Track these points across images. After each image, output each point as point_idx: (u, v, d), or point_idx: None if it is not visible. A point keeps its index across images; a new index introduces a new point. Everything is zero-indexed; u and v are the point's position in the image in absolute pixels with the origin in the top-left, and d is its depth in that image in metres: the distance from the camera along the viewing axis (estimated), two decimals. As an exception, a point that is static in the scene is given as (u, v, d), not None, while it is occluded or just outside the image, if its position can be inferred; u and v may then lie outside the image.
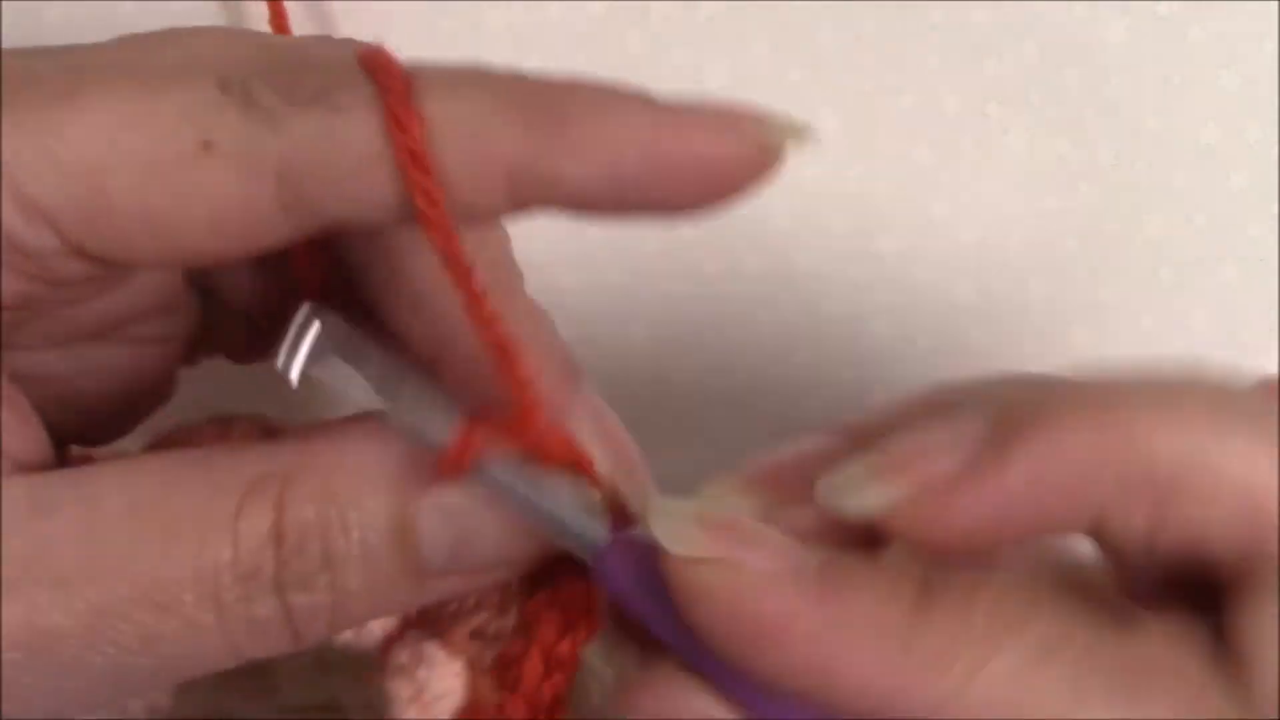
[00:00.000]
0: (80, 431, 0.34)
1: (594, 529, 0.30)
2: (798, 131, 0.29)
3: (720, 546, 0.28)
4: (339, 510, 0.28)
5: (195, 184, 0.27)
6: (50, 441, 0.30)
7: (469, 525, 0.29)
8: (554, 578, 0.32)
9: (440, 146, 0.28)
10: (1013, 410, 0.29)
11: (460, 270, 0.28)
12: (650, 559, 0.29)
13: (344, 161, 0.28)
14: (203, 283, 0.35)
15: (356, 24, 0.47)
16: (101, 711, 0.31)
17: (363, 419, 0.30)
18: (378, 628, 0.32)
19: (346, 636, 0.32)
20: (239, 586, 0.27)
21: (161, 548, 0.27)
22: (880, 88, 0.49)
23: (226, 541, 0.27)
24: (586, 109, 0.28)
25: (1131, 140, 0.49)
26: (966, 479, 0.28)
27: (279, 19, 0.45)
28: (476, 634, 0.32)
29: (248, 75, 0.28)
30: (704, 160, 0.28)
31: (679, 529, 0.28)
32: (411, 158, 0.27)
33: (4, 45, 0.30)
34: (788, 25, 0.48)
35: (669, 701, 0.29)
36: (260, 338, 0.36)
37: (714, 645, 0.28)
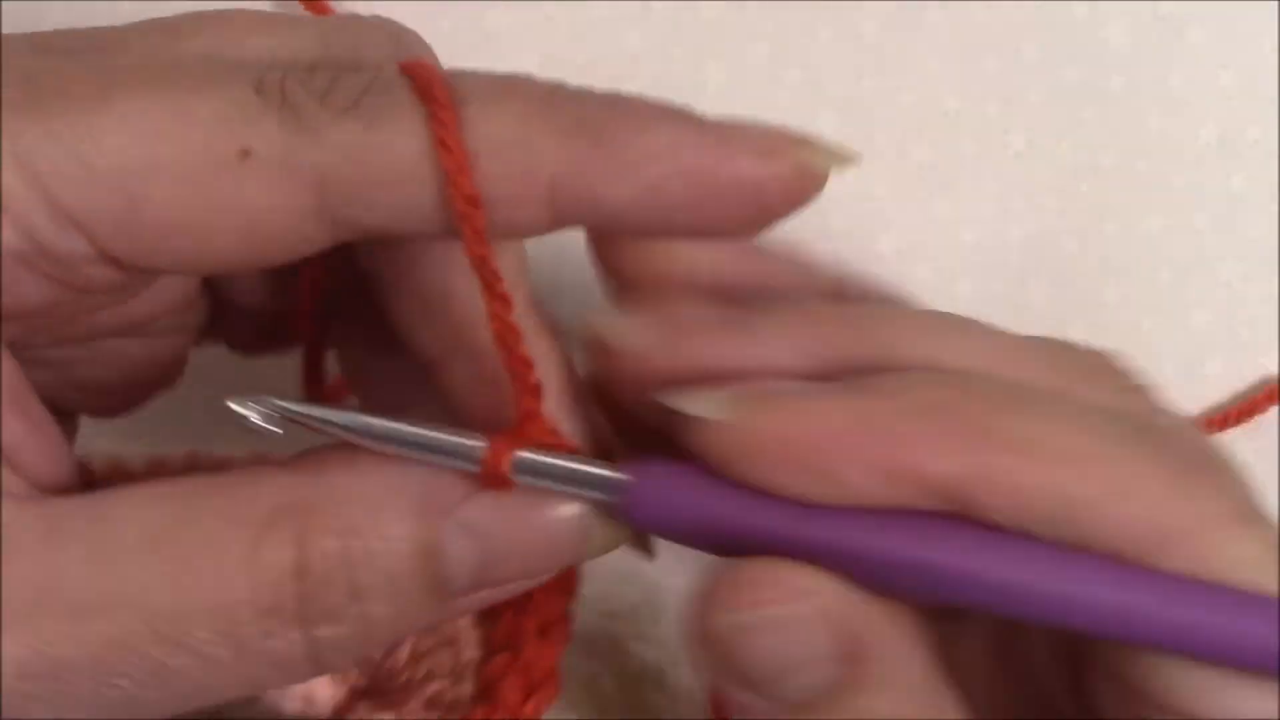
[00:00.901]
0: (90, 407, 0.34)
1: (619, 478, 0.29)
2: (841, 155, 0.29)
3: (743, 391, 0.28)
4: (363, 541, 0.27)
5: (232, 193, 0.27)
6: (72, 459, 0.30)
7: (493, 542, 0.28)
8: (514, 642, 0.31)
9: (481, 160, 0.27)
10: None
11: (493, 286, 0.28)
12: (680, 483, 0.29)
13: (384, 174, 0.27)
14: (216, 284, 0.35)
15: (357, 24, 0.47)
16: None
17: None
18: (327, 698, 0.32)
19: (296, 706, 0.31)
20: (258, 622, 0.27)
21: (175, 581, 0.26)
22: (880, 88, 0.49)
23: (244, 576, 0.27)
24: (627, 126, 0.28)
25: (1131, 140, 0.49)
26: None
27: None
28: (432, 703, 0.32)
29: (284, 74, 0.28)
30: (746, 183, 0.28)
31: (706, 404, 0.28)
32: (454, 173, 0.27)
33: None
34: (787, 25, 0.48)
35: (781, 586, 0.28)
36: (266, 333, 0.36)
37: (783, 487, 0.27)
